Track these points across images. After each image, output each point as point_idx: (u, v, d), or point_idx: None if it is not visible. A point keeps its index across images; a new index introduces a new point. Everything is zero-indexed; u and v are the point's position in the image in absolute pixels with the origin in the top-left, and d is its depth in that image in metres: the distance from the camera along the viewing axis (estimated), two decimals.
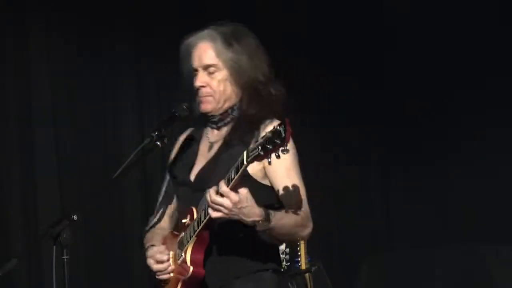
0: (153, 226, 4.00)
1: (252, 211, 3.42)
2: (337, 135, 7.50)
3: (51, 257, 3.39)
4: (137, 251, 6.13)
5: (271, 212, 3.49)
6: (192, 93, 3.81)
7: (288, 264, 5.54)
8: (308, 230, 3.65)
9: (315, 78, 7.32)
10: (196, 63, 3.75)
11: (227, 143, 3.75)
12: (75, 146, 6.16)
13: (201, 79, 3.75)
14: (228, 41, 3.75)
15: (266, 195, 3.62)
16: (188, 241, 3.63)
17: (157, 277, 3.78)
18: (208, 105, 3.77)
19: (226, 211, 3.39)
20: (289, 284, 5.45)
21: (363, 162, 7.79)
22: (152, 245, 3.85)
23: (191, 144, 3.90)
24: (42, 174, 5.97)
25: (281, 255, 5.47)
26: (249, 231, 3.57)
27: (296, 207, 3.59)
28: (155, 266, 3.76)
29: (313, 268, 5.69)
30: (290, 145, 3.53)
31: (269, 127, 3.57)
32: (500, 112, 7.34)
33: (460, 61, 7.42)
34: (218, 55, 3.74)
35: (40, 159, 5.97)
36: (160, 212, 4.00)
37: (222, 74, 3.74)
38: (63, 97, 6.16)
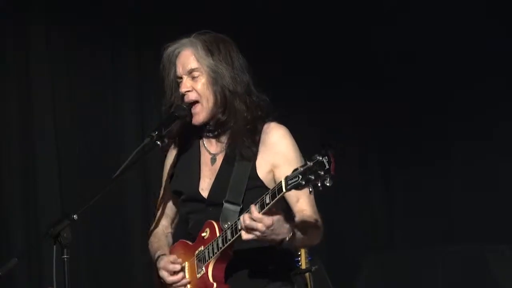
0: (153, 231, 4.03)
1: (282, 230, 3.49)
2: (337, 135, 7.50)
3: (51, 256, 3.39)
4: (137, 251, 6.18)
5: (295, 229, 3.55)
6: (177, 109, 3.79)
7: None
8: (321, 237, 3.72)
9: (315, 79, 7.32)
10: (180, 70, 3.77)
11: (228, 157, 3.76)
12: (75, 146, 6.16)
13: (185, 84, 3.75)
14: (209, 48, 3.76)
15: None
16: (211, 257, 3.65)
17: None
18: (200, 116, 3.77)
19: (259, 233, 3.44)
20: None
21: (363, 162, 7.79)
22: (163, 255, 3.86)
23: (188, 156, 3.87)
24: (42, 174, 5.97)
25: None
26: (267, 247, 3.62)
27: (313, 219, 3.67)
28: (170, 278, 3.75)
29: (313, 268, 5.69)
30: (295, 150, 3.68)
31: (271, 132, 3.72)
32: (500, 112, 7.35)
33: (461, 61, 7.42)
34: (199, 60, 3.74)
35: (40, 159, 5.97)
36: (158, 217, 4.04)
37: (204, 78, 3.75)
38: (63, 97, 6.16)
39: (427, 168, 7.69)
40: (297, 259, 5.65)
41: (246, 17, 6.86)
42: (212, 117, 3.77)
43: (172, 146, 3.95)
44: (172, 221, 4.04)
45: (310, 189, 3.30)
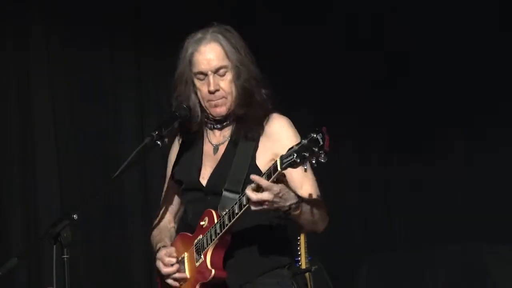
0: (157, 225, 4.05)
1: (289, 196, 3.49)
2: (337, 135, 7.48)
3: (51, 256, 3.39)
4: (137, 251, 6.18)
5: (301, 196, 3.57)
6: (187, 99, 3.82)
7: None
8: (326, 221, 3.73)
9: (317, 78, 7.32)
10: (205, 66, 3.75)
11: (231, 144, 3.78)
12: (75, 146, 6.16)
13: (215, 82, 3.75)
14: (231, 41, 3.78)
15: None
16: (209, 244, 3.67)
17: (166, 280, 3.80)
18: (223, 109, 3.78)
19: (268, 204, 3.45)
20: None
21: (363, 162, 7.79)
22: (164, 246, 3.88)
23: (190, 147, 3.89)
24: (42, 174, 5.97)
25: None
26: (266, 230, 3.69)
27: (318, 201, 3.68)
28: (165, 270, 3.78)
29: (313, 268, 5.68)
30: (297, 140, 3.60)
31: (272, 122, 3.74)
32: (500, 112, 7.35)
33: (460, 62, 7.43)
34: (228, 56, 3.75)
35: (40, 159, 5.97)
36: (161, 212, 4.05)
37: (230, 75, 3.76)
38: (63, 97, 6.16)
39: (427, 168, 7.69)
40: (297, 259, 5.64)
41: (246, 16, 6.86)
42: (232, 110, 3.79)
43: (177, 140, 3.97)
44: (175, 215, 4.05)
45: (305, 167, 3.33)
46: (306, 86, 7.31)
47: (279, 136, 3.74)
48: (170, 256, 3.79)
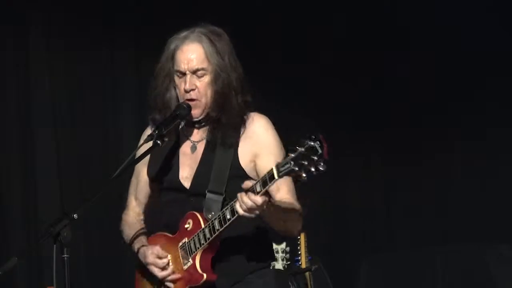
0: (127, 219, 4.08)
1: None
2: (337, 135, 7.50)
3: (51, 256, 3.39)
4: None
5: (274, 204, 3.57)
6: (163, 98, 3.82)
7: (289, 263, 5.54)
8: (300, 226, 3.75)
9: (316, 79, 7.32)
10: (184, 66, 3.75)
11: (209, 144, 3.78)
12: (75, 146, 6.17)
13: (191, 82, 3.75)
14: (215, 44, 3.77)
15: None
16: (198, 248, 3.67)
17: (164, 282, 3.81)
18: (197, 111, 3.77)
19: (258, 212, 3.47)
20: (289, 283, 5.45)
21: (363, 162, 7.79)
22: (143, 246, 3.88)
23: (166, 144, 3.83)
24: (42, 174, 5.97)
25: (281, 254, 5.51)
26: (250, 233, 3.72)
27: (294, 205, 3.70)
28: (161, 274, 3.78)
29: (313, 267, 5.69)
30: (276, 140, 3.71)
31: (252, 122, 3.75)
32: (500, 112, 7.35)
33: (460, 62, 7.42)
34: (208, 59, 3.75)
35: (40, 159, 5.97)
36: (131, 206, 4.09)
37: (208, 77, 3.76)
38: (63, 97, 6.16)
39: (427, 168, 7.69)
40: (297, 258, 5.65)
41: (246, 16, 6.86)
42: (207, 113, 3.78)
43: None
44: (144, 208, 4.06)
45: (304, 175, 3.31)
46: (306, 86, 7.30)
47: (259, 137, 3.75)
48: (160, 257, 3.79)
